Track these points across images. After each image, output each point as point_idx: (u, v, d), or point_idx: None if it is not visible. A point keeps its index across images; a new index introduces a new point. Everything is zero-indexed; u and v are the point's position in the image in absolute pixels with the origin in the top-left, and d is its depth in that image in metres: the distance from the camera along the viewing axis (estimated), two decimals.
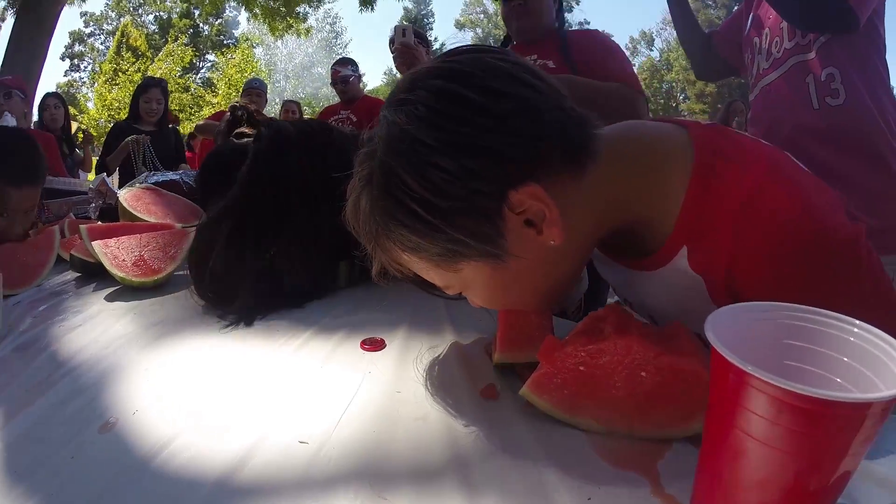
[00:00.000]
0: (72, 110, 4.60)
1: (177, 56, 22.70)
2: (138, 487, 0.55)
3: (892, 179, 1.39)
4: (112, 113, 18.99)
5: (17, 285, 1.21)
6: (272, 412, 0.67)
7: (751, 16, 1.65)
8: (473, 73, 0.63)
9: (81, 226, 1.24)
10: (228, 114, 1.68)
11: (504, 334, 0.76)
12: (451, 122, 0.60)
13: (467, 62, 0.64)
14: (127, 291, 1.14)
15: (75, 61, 27.10)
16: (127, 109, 4.09)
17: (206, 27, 26.11)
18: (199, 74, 26.36)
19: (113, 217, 1.67)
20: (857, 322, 0.45)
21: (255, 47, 25.73)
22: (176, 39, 23.91)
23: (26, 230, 1.51)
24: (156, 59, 22.66)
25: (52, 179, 2.39)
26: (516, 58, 0.67)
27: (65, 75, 26.69)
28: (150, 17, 25.80)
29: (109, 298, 1.11)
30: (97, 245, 1.15)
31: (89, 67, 26.83)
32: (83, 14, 26.32)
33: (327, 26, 29.23)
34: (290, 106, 5.62)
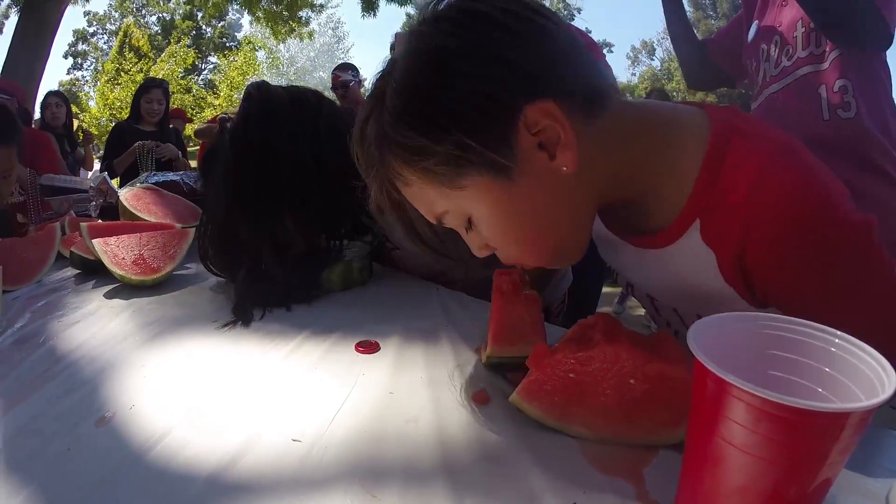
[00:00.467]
0: (73, 109, 4.60)
1: (179, 57, 22.73)
2: (133, 481, 0.56)
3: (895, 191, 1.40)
4: (114, 112, 19.00)
5: (17, 281, 1.22)
6: (266, 411, 0.69)
7: (755, 24, 1.63)
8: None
9: (82, 223, 1.25)
10: (218, 125, 1.69)
11: (495, 331, 0.77)
12: (472, 33, 0.61)
13: None
14: (126, 289, 1.14)
15: (78, 60, 27.14)
16: (128, 109, 4.10)
17: (208, 29, 26.17)
18: (202, 76, 26.42)
19: (113, 216, 1.68)
20: (839, 333, 0.46)
21: (257, 50, 25.75)
22: (178, 41, 23.97)
23: (8, 193, 1.50)
24: (158, 60, 22.69)
25: (53, 177, 2.40)
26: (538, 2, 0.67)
27: (67, 73, 26.74)
28: (154, 17, 25.86)
29: (108, 296, 1.12)
30: (97, 243, 1.16)
31: (92, 66, 26.88)
32: (87, 13, 26.40)
33: (329, 31, 29.30)
34: None
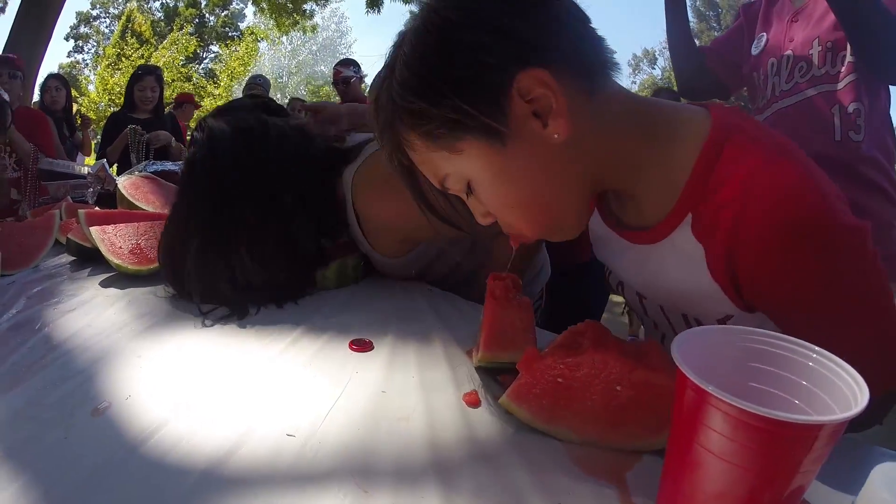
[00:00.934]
0: (73, 93, 4.59)
1: (181, 45, 22.60)
2: (129, 471, 0.57)
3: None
4: (112, 98, 18.91)
5: (14, 266, 1.23)
6: (261, 405, 0.70)
7: (762, 36, 1.63)
8: None
9: (80, 210, 1.25)
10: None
11: (488, 335, 0.78)
12: (471, 4, 0.65)
13: None
14: (122, 278, 1.15)
15: (79, 42, 26.99)
16: None
17: (212, 18, 26.07)
18: (203, 65, 26.30)
19: (110, 204, 1.69)
20: (816, 349, 0.48)
21: (259, 41, 25.66)
22: (181, 28, 23.85)
23: None
24: (160, 47, 22.58)
25: (50, 161, 2.41)
26: None
27: (68, 56, 26.59)
28: (157, 3, 25.75)
29: (104, 284, 1.13)
30: (95, 231, 1.17)
31: (93, 50, 26.75)
32: None
33: (333, 25, 29.24)
34: (296, 104, 5.62)
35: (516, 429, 0.66)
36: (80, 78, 23.91)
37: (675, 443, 0.48)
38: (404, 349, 0.86)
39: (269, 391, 0.73)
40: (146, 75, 3.97)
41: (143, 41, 22.89)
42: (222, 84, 22.93)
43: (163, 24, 25.17)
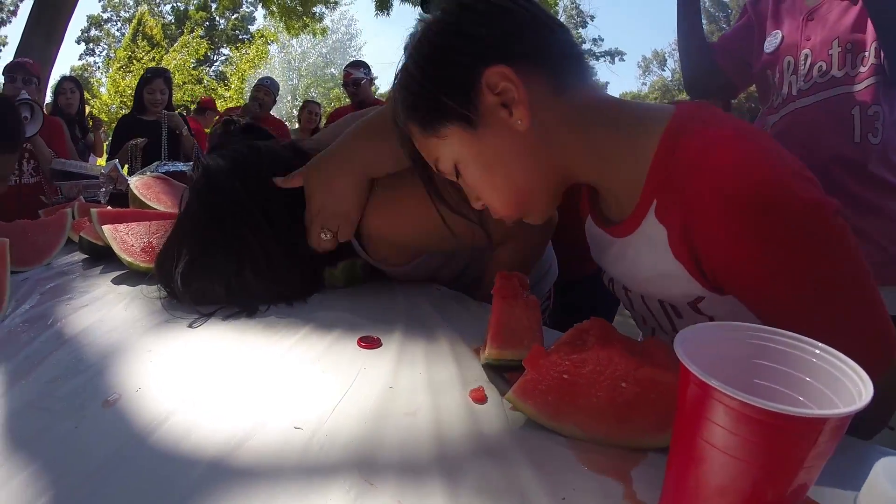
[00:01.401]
0: (85, 95, 4.62)
1: (192, 48, 22.76)
2: (139, 460, 0.58)
3: None
4: (124, 100, 19.04)
5: (26, 263, 1.24)
6: (269, 399, 0.71)
7: (776, 34, 1.62)
8: None
9: (92, 209, 1.27)
10: (220, 125, 1.67)
11: (495, 333, 0.79)
12: (451, 17, 0.79)
13: None
14: (133, 276, 1.16)
15: (90, 45, 27.19)
16: None
17: (222, 21, 26.22)
18: (213, 67, 26.46)
19: (122, 203, 1.70)
20: (820, 344, 0.48)
21: (269, 44, 25.79)
22: (192, 31, 24.00)
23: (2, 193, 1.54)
24: (171, 50, 22.73)
25: (64, 162, 2.43)
26: None
27: (79, 59, 26.80)
28: (168, 7, 25.91)
29: (116, 281, 1.14)
30: (107, 229, 1.18)
31: (104, 53, 26.94)
32: None
33: (342, 28, 29.31)
34: (312, 107, 5.65)
35: (522, 425, 0.67)
36: (92, 80, 24.07)
37: (679, 438, 0.48)
38: (412, 347, 0.87)
39: (277, 386, 0.74)
40: (155, 78, 4.00)
41: (153, 44, 23.05)
42: (233, 86, 23.06)
43: (173, 27, 25.32)
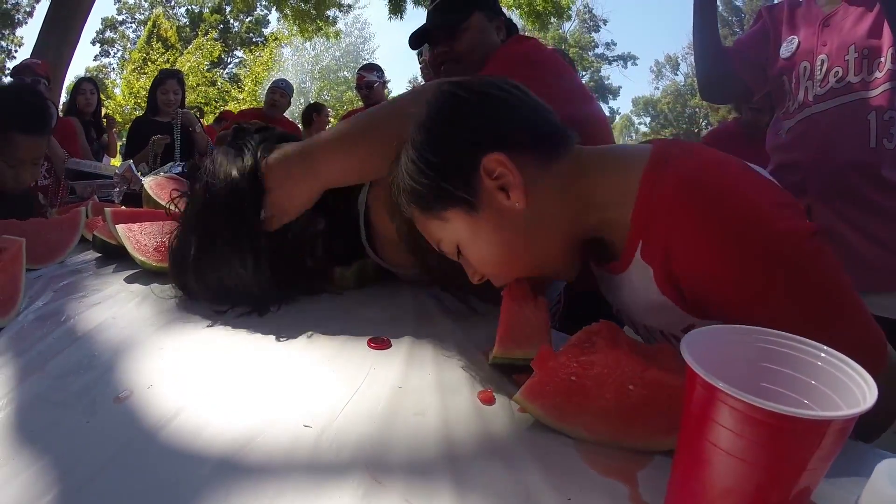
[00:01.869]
0: (100, 96, 4.67)
1: (206, 50, 22.88)
2: (148, 455, 0.58)
3: None
4: (139, 101, 19.19)
5: (40, 261, 1.26)
6: (279, 398, 0.71)
7: (792, 39, 1.62)
8: (471, 80, 0.88)
9: (106, 209, 1.28)
10: (231, 131, 1.69)
11: (502, 333, 0.80)
12: (446, 109, 0.84)
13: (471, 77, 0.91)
14: (145, 275, 1.17)
15: (105, 47, 27.41)
16: None
17: (236, 24, 26.37)
18: (227, 70, 26.60)
19: (136, 203, 1.72)
20: (825, 347, 0.48)
21: (283, 47, 25.95)
22: (206, 33, 24.14)
23: (34, 180, 1.56)
24: (185, 52, 22.88)
25: (78, 161, 2.45)
26: (510, 82, 0.87)
27: (94, 60, 27.02)
28: (182, 9, 26.08)
29: (128, 280, 1.15)
30: (121, 228, 1.20)
31: (119, 54, 27.15)
32: (117, 1, 26.69)
33: (356, 31, 29.45)
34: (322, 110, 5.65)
35: (529, 426, 0.67)
36: (107, 82, 24.26)
37: (685, 440, 0.49)
38: (422, 348, 0.88)
39: (287, 384, 0.75)
40: (168, 79, 4.04)
41: (168, 46, 23.21)
42: (246, 88, 23.17)
43: (188, 29, 25.48)
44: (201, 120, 4.47)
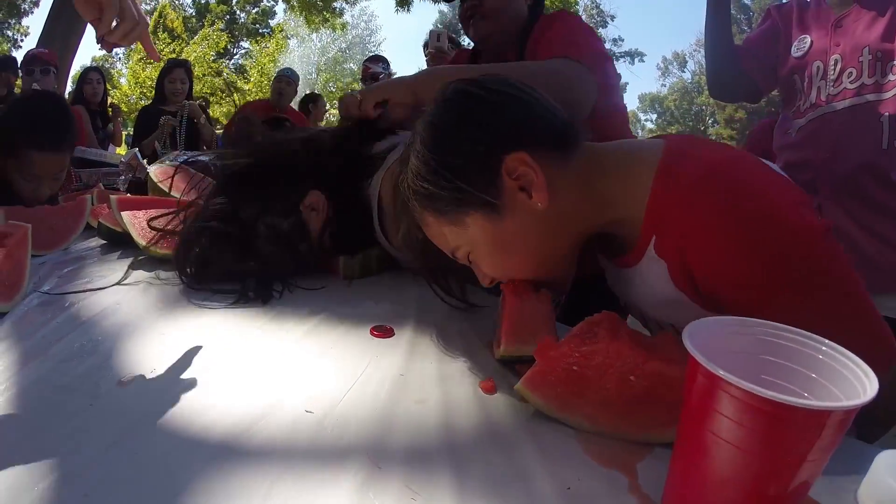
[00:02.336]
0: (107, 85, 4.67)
1: (212, 41, 22.83)
2: (151, 438, 0.59)
3: None
4: (144, 91, 19.20)
5: (45, 247, 1.26)
6: (281, 384, 0.72)
7: (804, 38, 1.62)
8: (483, 79, 0.84)
9: (112, 196, 1.29)
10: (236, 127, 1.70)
11: (508, 329, 0.80)
12: (463, 108, 0.82)
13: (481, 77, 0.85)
14: (150, 261, 1.18)
15: None
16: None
17: (242, 14, 26.32)
18: (233, 60, 26.56)
19: (141, 191, 1.72)
20: (826, 341, 0.48)
21: (289, 38, 25.91)
22: (212, 24, 24.10)
23: (54, 193, 1.56)
24: (191, 42, 22.86)
25: (84, 150, 2.46)
26: (518, 81, 0.85)
27: (100, 49, 26.98)
28: (188, 0, 26.05)
29: (133, 267, 1.15)
30: (126, 215, 1.20)
31: None
32: None
33: (362, 23, 29.38)
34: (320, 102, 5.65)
35: (530, 416, 0.68)
36: (113, 71, 24.25)
37: (685, 429, 0.49)
38: (424, 337, 0.88)
39: (290, 370, 0.76)
40: (176, 68, 4.08)
41: (174, 37, 23.18)
42: (252, 79, 23.15)
43: (194, 20, 25.44)
44: (207, 111, 4.47)
